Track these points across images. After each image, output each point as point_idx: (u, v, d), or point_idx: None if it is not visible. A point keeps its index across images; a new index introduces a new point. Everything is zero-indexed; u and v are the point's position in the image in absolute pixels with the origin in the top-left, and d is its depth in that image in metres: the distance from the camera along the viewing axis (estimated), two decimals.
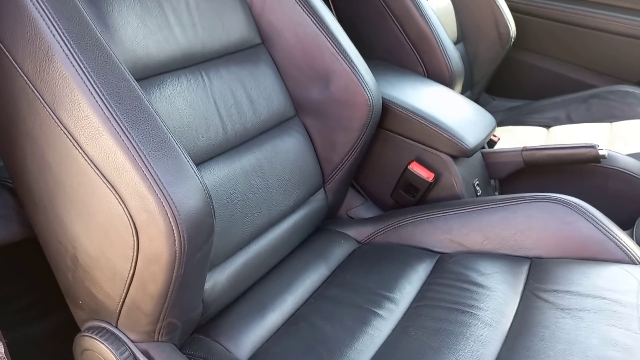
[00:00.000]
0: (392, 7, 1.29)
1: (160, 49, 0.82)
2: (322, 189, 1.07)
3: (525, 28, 1.83)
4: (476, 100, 1.85)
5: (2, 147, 0.68)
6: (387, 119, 1.11)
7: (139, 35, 0.79)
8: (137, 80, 0.77)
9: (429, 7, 1.31)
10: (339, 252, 1.03)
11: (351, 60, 1.00)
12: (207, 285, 0.79)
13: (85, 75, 0.60)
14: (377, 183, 1.16)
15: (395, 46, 1.32)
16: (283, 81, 1.03)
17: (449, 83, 1.30)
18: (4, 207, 0.92)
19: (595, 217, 0.90)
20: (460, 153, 1.07)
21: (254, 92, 0.96)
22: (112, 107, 0.60)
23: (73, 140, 0.61)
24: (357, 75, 1.00)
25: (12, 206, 0.91)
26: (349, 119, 1.02)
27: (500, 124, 1.74)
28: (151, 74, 0.80)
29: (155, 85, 0.80)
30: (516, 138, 1.59)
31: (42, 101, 0.61)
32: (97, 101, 0.59)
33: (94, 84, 0.60)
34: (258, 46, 1.01)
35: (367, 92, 1.00)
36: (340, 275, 0.95)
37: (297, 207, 1.01)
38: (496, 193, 1.22)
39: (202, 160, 0.84)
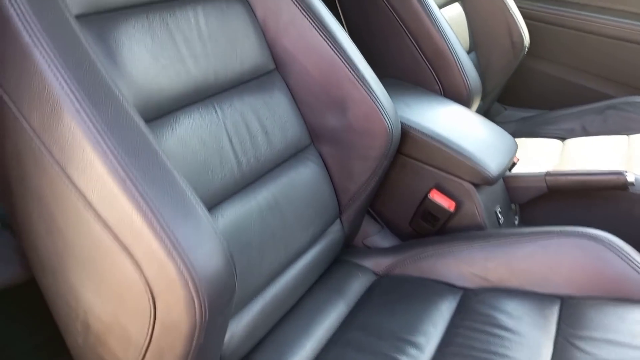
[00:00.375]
0: (408, 22, 1.24)
1: (172, 85, 0.77)
2: (338, 220, 1.03)
3: (539, 35, 1.78)
4: (488, 110, 1.81)
5: (7, 206, 0.64)
6: (406, 144, 1.06)
7: (150, 72, 0.74)
8: (150, 121, 0.73)
9: (445, 21, 1.26)
10: (357, 286, 0.98)
11: (370, 86, 0.96)
12: (224, 338, 0.75)
13: (98, 131, 0.55)
14: (395, 210, 1.12)
15: (410, 63, 1.27)
16: (298, 108, 0.98)
17: (466, 101, 1.26)
18: (5, 247, 0.87)
19: (629, 255, 0.86)
20: (483, 181, 1.02)
21: (269, 123, 0.91)
22: (127, 167, 0.55)
23: (85, 202, 0.56)
24: (375, 102, 0.95)
25: (14, 247, 0.87)
26: (367, 148, 0.98)
27: (513, 135, 1.70)
28: (164, 112, 0.75)
29: (168, 125, 0.75)
30: (531, 151, 1.55)
31: (51, 158, 0.56)
32: (111, 160, 0.55)
33: (107, 141, 0.55)
34: (272, 72, 0.96)
35: (387, 120, 0.96)
36: (360, 314, 0.91)
37: (315, 241, 0.96)
38: (516, 217, 1.18)
39: (217, 202, 0.79)
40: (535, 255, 0.91)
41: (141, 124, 0.59)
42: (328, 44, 0.94)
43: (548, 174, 1.11)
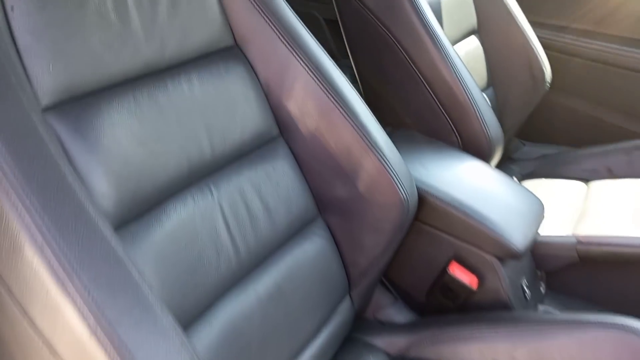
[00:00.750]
0: (422, 68, 1.14)
1: (162, 172, 0.68)
2: (347, 296, 0.93)
3: (562, 68, 1.67)
4: (506, 146, 1.70)
5: None
6: (423, 210, 0.97)
7: (137, 162, 0.65)
8: (133, 219, 0.64)
9: (463, 66, 1.16)
10: None
11: (383, 154, 0.86)
12: None
13: (65, 269, 0.46)
14: (410, 280, 1.03)
15: (425, 112, 1.18)
16: (304, 177, 0.89)
17: (486, 153, 1.16)
18: None
19: None
20: (508, 255, 0.93)
21: (271, 198, 0.82)
22: (102, 312, 0.46)
23: (51, 350, 0.47)
24: (389, 171, 0.86)
25: None
26: (379, 220, 0.88)
27: (532, 174, 1.60)
28: (151, 205, 0.66)
29: (156, 220, 0.66)
30: (552, 194, 1.44)
31: (11, 297, 0.48)
32: (80, 306, 0.46)
33: (76, 282, 0.46)
34: (275, 139, 0.87)
35: (401, 191, 0.86)
36: None
37: (322, 325, 0.87)
38: (542, 284, 1.08)
39: (211, 302, 0.70)
40: (570, 349, 0.81)
41: (119, 251, 0.50)
42: (337, 106, 0.85)
43: (579, 242, 1.01)
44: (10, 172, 0.47)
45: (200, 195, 0.73)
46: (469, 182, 1.02)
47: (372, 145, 0.86)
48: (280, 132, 0.88)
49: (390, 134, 1.12)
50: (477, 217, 0.93)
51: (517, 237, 0.93)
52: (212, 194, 0.75)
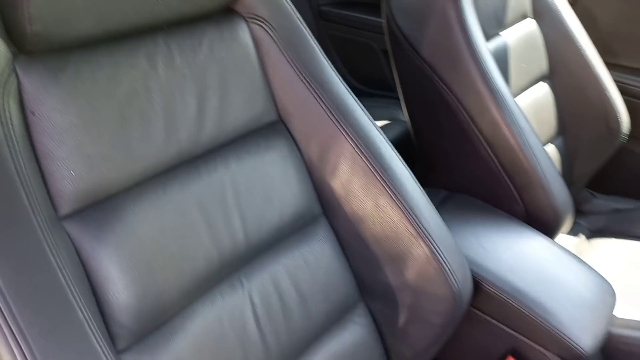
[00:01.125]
0: (484, 130, 1.05)
1: (193, 270, 0.63)
2: None
3: (639, 114, 1.52)
4: (574, 198, 1.57)
5: None
6: (478, 297, 0.88)
7: (160, 264, 0.59)
8: (158, 328, 0.59)
9: (530, 130, 1.06)
10: None
11: (434, 241, 0.78)
12: None
13: None
14: None
15: (485, 177, 1.08)
16: (346, 259, 0.82)
17: (552, 227, 1.05)
18: None
19: None
20: (574, 357, 0.82)
21: (308, 286, 0.76)
22: None
23: None
24: (441, 260, 0.78)
25: None
26: (427, 312, 0.80)
27: (602, 231, 1.46)
28: (176, 310, 0.61)
29: (180, 327, 0.61)
30: (625, 260, 1.31)
31: None
32: None
33: None
34: (316, 219, 0.80)
35: (453, 283, 0.78)
36: None
37: None
38: None
39: None
40: None
41: None
42: (386, 187, 0.78)
43: None
44: (8, 311, 0.43)
45: (229, 290, 0.67)
46: (531, 265, 0.92)
47: (423, 230, 0.78)
48: (323, 211, 0.81)
49: (445, 199, 1.04)
50: (539, 311, 0.83)
51: (586, 337, 0.82)
52: (242, 287, 0.69)
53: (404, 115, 1.28)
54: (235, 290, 0.68)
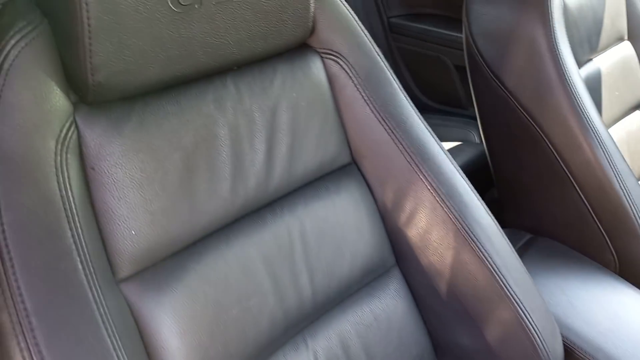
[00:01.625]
0: (575, 170, 0.94)
1: (258, 333, 0.58)
2: None
3: None
4: None
5: None
6: None
7: (223, 328, 0.55)
8: None
9: (629, 170, 0.95)
10: None
11: (522, 305, 0.70)
12: None
13: None
14: None
15: (574, 221, 0.97)
16: (420, 315, 0.75)
17: None
18: None
19: None
20: None
21: (378, 346, 0.69)
22: None
23: None
24: (528, 325, 0.69)
25: None
26: None
27: None
28: None
29: None
30: None
31: None
32: None
33: None
34: (389, 271, 0.74)
35: (542, 351, 0.69)
36: None
37: None
38: None
39: None
40: None
41: None
42: (470, 241, 0.70)
43: None
44: None
45: (293, 353, 0.62)
46: (627, 328, 0.81)
47: (509, 290, 0.70)
48: (396, 262, 0.75)
49: (526, 243, 0.94)
50: None
51: None
52: (307, 348, 0.63)
53: (479, 138, 1.18)
54: (299, 352, 0.62)
